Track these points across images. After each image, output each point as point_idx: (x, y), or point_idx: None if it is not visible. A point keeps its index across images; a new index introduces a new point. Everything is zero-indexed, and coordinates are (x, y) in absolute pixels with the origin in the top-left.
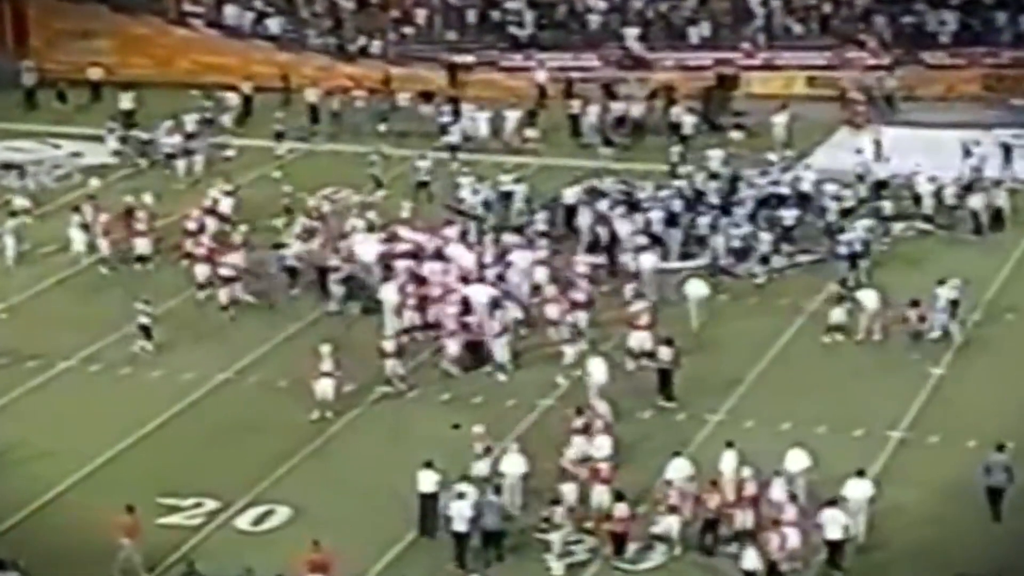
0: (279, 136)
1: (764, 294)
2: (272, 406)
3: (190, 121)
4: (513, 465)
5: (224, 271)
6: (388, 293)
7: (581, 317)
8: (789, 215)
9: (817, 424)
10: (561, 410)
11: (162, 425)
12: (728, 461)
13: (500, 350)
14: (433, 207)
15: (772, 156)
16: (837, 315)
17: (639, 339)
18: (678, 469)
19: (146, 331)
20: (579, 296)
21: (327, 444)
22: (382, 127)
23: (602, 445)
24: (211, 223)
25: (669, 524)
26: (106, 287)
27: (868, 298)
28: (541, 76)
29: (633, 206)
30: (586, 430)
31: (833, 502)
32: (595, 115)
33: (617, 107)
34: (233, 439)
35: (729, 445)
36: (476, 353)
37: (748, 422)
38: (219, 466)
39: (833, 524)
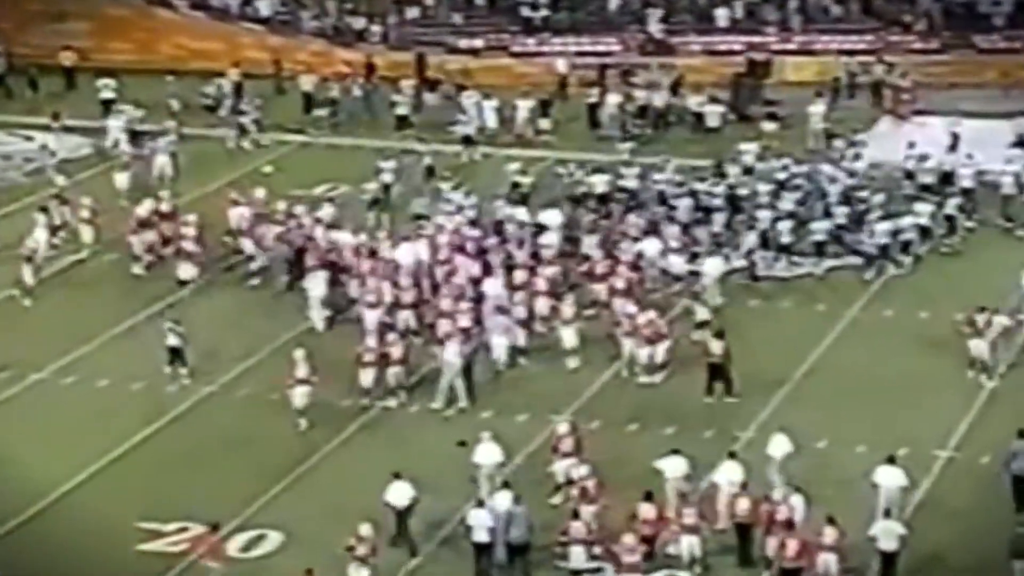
0: (241, 129)
1: (801, 297)
2: (262, 422)
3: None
4: (488, 455)
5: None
6: (315, 285)
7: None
8: (839, 212)
9: (856, 443)
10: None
11: (143, 442)
12: (729, 472)
13: (500, 348)
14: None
15: (841, 143)
16: (977, 348)
17: (648, 354)
18: (728, 473)
19: (177, 354)
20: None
21: (323, 463)
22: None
23: (573, 464)
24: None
25: (690, 544)
26: (82, 291)
27: None
28: (561, 66)
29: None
30: (577, 449)
31: (887, 513)
32: (615, 105)
33: (639, 96)
34: (220, 457)
35: (731, 456)
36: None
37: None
38: (205, 487)
39: (887, 536)
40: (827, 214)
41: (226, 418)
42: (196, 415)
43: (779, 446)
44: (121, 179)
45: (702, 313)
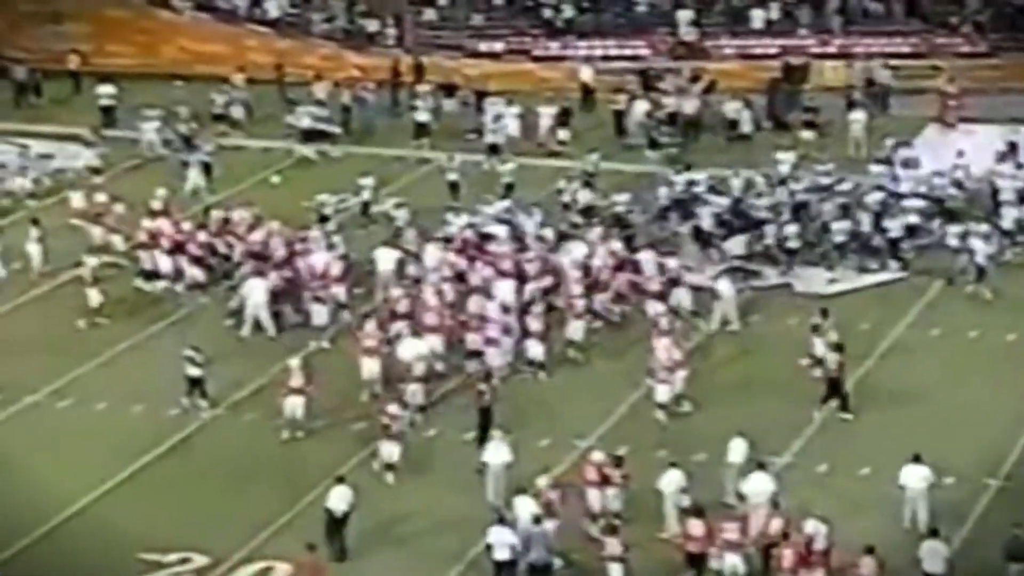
0: (187, 140)
1: (844, 314)
2: (269, 447)
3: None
4: (496, 453)
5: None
6: (256, 291)
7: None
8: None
9: (899, 468)
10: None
11: (143, 468)
12: (760, 483)
13: (537, 348)
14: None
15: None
16: None
17: (660, 360)
18: (758, 484)
19: (197, 385)
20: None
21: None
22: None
23: (616, 497)
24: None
25: (733, 565)
26: (77, 308)
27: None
28: (586, 74)
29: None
30: (604, 481)
31: (935, 532)
32: (642, 112)
33: (668, 102)
34: (225, 485)
35: (761, 466)
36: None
37: (820, 466)
38: (209, 516)
39: (933, 557)
40: (878, 226)
41: (231, 444)
42: (199, 440)
43: (738, 451)
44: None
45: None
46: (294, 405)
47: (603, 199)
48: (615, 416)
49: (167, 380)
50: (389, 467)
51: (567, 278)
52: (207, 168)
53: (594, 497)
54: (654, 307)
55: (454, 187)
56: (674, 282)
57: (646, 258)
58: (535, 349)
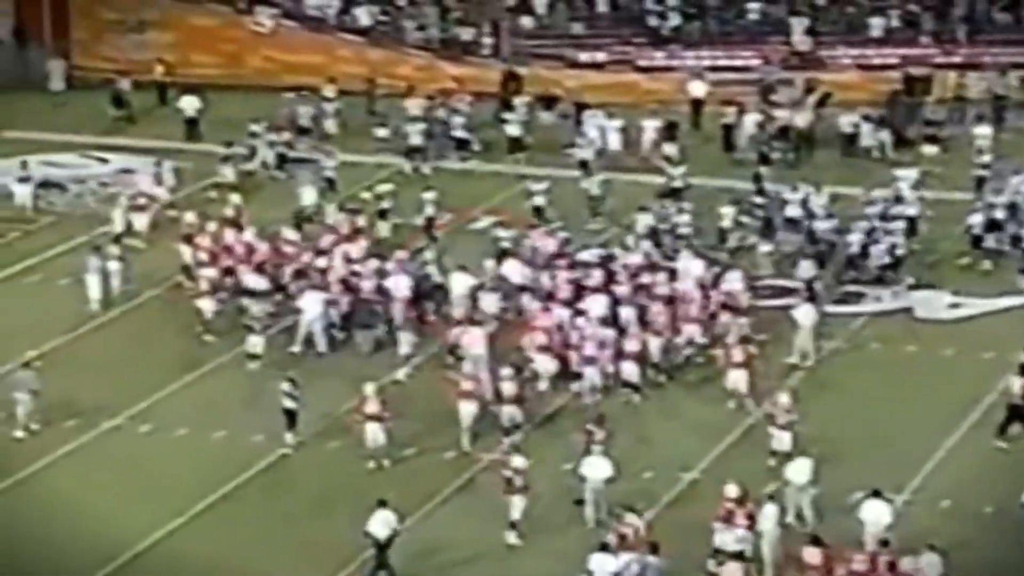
0: (225, 159)
1: (963, 343)
2: (354, 477)
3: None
4: (596, 469)
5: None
6: (311, 305)
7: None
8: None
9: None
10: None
11: (225, 499)
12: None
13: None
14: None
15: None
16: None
17: (735, 378)
18: (874, 512)
19: (291, 418)
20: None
21: (425, 522)
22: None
23: (743, 538)
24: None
25: None
26: (154, 329)
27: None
28: (698, 89)
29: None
30: (728, 517)
31: (932, 547)
32: (753, 125)
33: (780, 116)
34: (310, 515)
35: (877, 495)
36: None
37: (944, 500)
38: (294, 550)
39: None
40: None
41: (315, 473)
42: (284, 468)
43: (801, 472)
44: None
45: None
46: (374, 432)
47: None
48: (720, 447)
49: (250, 405)
50: (513, 526)
51: (683, 296)
52: (330, 183)
53: (722, 533)
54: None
55: (538, 211)
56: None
57: (734, 278)
58: (630, 370)
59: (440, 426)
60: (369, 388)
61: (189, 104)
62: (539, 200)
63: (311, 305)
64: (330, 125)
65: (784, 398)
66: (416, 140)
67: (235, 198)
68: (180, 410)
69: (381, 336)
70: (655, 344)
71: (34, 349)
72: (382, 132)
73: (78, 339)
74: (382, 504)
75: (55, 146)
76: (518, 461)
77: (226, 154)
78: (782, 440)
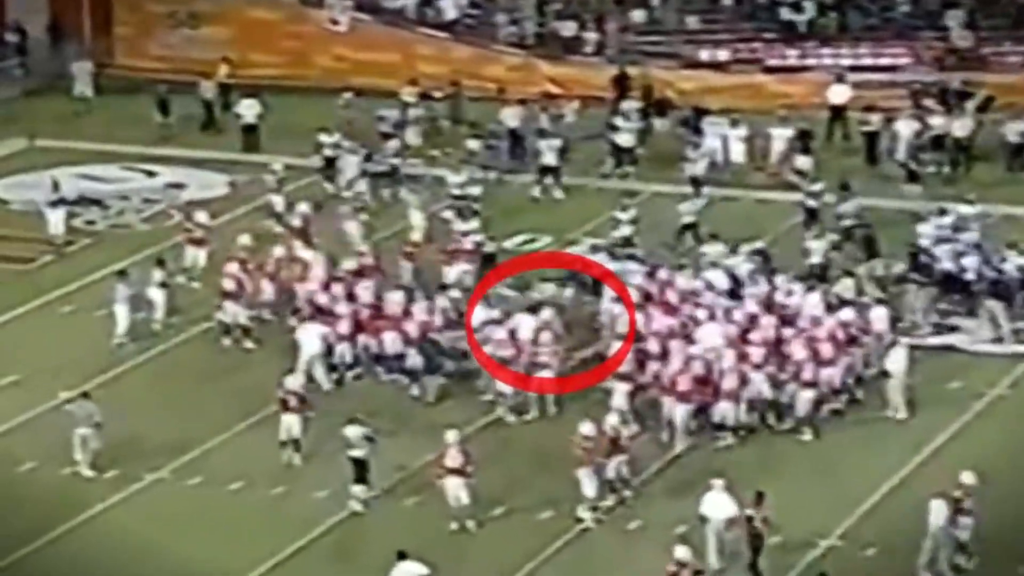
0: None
1: None
2: (433, 538)
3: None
4: (717, 507)
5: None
6: (310, 339)
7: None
8: None
9: None
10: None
11: (286, 563)
12: None
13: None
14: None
15: None
16: None
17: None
18: None
19: (361, 469)
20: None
21: None
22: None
23: None
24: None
25: None
26: (205, 369)
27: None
28: (839, 95)
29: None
30: None
31: None
32: (908, 133)
33: (935, 123)
34: None
35: None
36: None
37: None
38: None
39: None
40: None
41: (390, 534)
42: (353, 529)
43: (939, 514)
44: (351, 227)
45: None
46: (456, 489)
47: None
48: (859, 511)
49: (311, 456)
50: None
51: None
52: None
53: None
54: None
55: (627, 243)
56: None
57: (879, 315)
58: (726, 411)
59: (533, 480)
60: (451, 435)
61: (248, 109)
62: (625, 230)
63: (310, 339)
64: (411, 135)
65: (969, 478)
66: (550, 159)
67: (303, 207)
68: (232, 462)
69: (448, 380)
70: (804, 396)
71: (66, 390)
72: (474, 144)
73: (112, 380)
74: (402, 557)
75: (93, 156)
76: (450, 435)
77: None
78: (965, 526)
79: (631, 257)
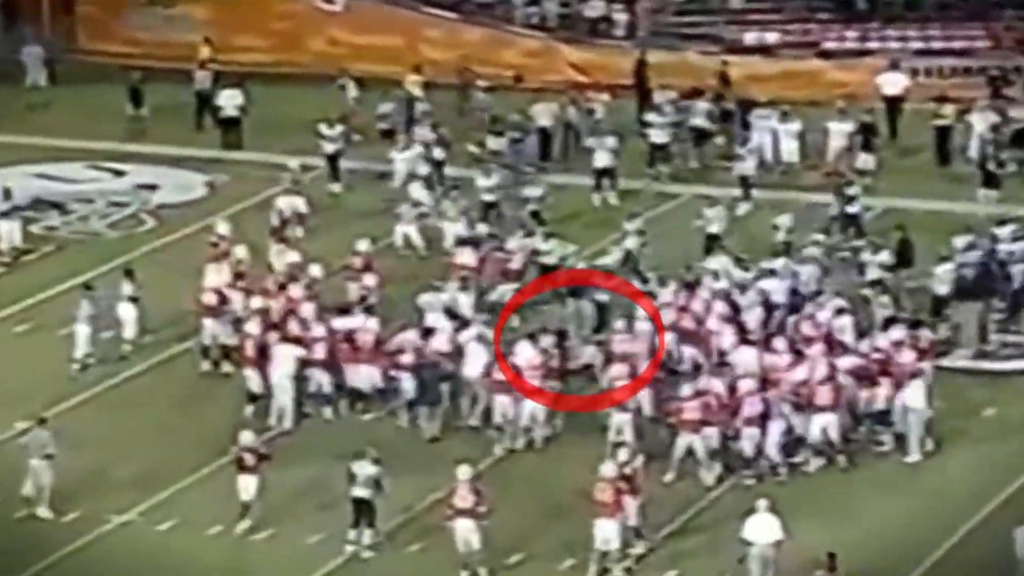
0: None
1: None
2: None
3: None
4: (761, 531)
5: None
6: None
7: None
8: None
9: None
10: None
11: None
12: None
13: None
14: None
15: None
16: None
17: None
18: None
19: (365, 510)
20: None
21: None
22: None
23: None
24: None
25: None
26: (181, 396)
27: None
28: (895, 83)
29: None
30: None
31: None
32: (981, 129)
33: (1017, 116)
34: None
35: None
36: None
37: None
38: None
39: None
40: None
41: None
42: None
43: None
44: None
45: None
46: (466, 532)
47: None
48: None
49: (302, 496)
50: None
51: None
52: (536, 217)
53: None
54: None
55: (628, 259)
56: None
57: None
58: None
59: (550, 523)
60: (463, 471)
61: (229, 100)
62: (628, 243)
63: (280, 362)
64: (422, 130)
65: None
66: (604, 160)
67: (282, 202)
68: (210, 502)
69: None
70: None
71: (23, 420)
72: (495, 142)
73: (74, 407)
74: None
75: (53, 153)
76: (462, 471)
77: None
78: None
79: (636, 272)
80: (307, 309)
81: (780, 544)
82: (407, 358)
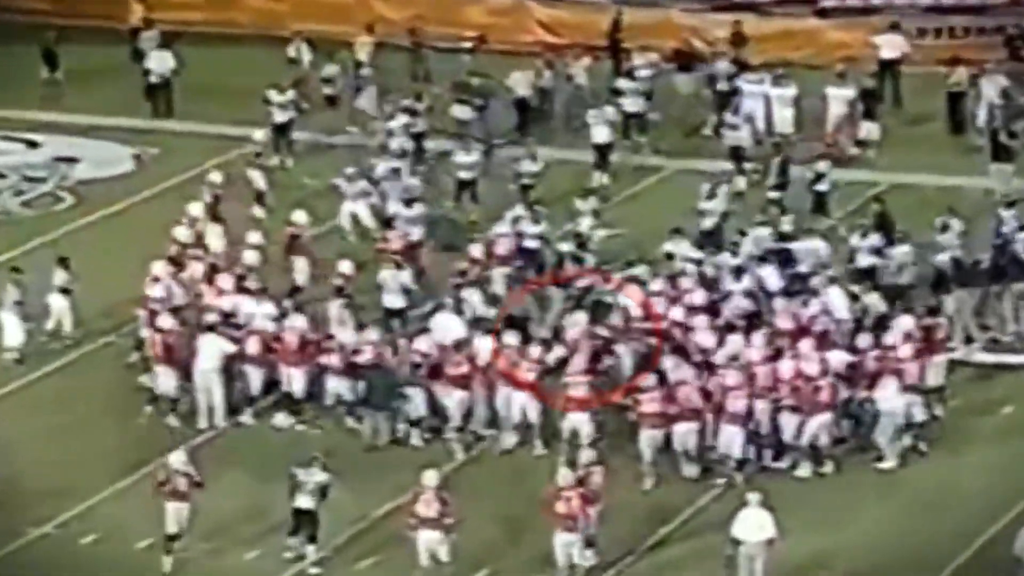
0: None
1: None
2: None
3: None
4: (750, 528)
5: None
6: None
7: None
8: None
9: None
10: None
11: None
12: None
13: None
14: None
15: None
16: None
17: None
18: None
19: (307, 522)
20: None
21: None
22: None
23: None
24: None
25: None
26: (112, 396)
27: None
28: (893, 45)
29: None
30: None
31: None
32: (991, 95)
33: None
34: None
35: None
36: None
37: None
38: None
39: None
40: None
41: None
42: None
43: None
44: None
45: None
46: (431, 544)
47: None
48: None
49: (240, 508)
50: None
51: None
52: (464, 186)
53: None
54: None
55: (583, 244)
56: None
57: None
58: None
59: (521, 534)
60: (428, 476)
61: (159, 63)
62: (585, 223)
63: (208, 352)
64: (368, 98)
65: None
66: (602, 135)
67: (216, 176)
68: (137, 514)
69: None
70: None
71: None
72: (462, 111)
73: None
74: None
75: None
76: (428, 476)
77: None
78: None
79: (577, 260)
80: (238, 300)
81: (772, 543)
82: (335, 359)
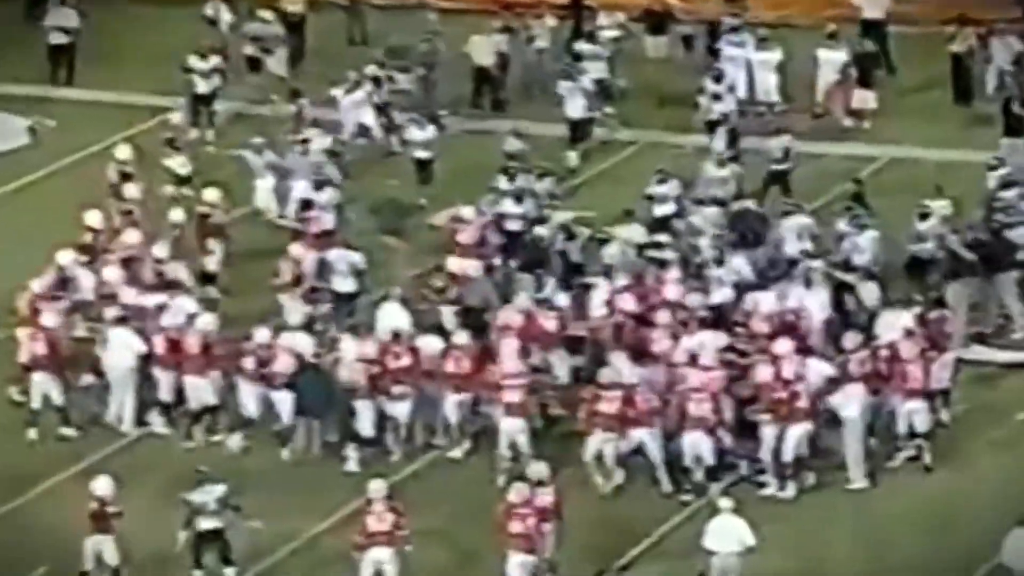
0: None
1: None
2: None
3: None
4: (722, 538)
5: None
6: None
7: None
8: None
9: None
10: None
11: None
12: None
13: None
14: None
15: None
16: None
17: None
18: None
19: (213, 543)
20: None
21: None
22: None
23: None
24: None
25: None
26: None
27: None
28: (876, 3)
29: None
30: None
31: None
32: (1001, 61)
33: None
34: None
35: None
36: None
37: None
38: None
39: None
40: None
41: None
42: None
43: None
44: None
45: None
46: (379, 564)
47: None
48: None
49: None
50: None
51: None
52: (422, 166)
53: None
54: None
55: (535, 223)
56: None
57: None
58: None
59: (481, 552)
60: (375, 485)
61: (60, 21)
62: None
63: (120, 351)
64: (278, 61)
65: None
66: (576, 109)
67: (123, 151)
68: (28, 540)
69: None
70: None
71: None
72: (403, 79)
73: None
74: None
75: None
76: (375, 485)
77: None
78: None
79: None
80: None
81: (749, 551)
82: (249, 363)
